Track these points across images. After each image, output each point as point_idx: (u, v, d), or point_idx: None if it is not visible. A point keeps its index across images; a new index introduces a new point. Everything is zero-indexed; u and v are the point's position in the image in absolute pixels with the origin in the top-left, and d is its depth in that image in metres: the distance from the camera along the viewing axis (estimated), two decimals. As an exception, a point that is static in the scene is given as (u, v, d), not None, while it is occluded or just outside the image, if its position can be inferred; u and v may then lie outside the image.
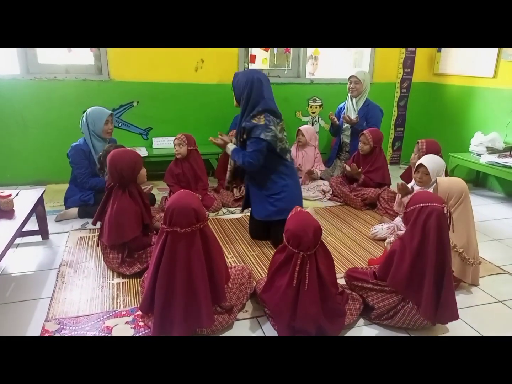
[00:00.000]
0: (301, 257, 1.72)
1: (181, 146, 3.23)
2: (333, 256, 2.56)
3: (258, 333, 1.87)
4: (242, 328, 1.90)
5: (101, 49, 3.69)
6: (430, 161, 2.65)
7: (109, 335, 1.81)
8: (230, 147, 2.67)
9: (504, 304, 2.14)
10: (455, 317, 1.80)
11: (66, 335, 1.79)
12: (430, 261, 1.72)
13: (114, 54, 3.73)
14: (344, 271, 2.20)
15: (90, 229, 2.88)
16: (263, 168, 2.54)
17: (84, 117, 3.04)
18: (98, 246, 2.41)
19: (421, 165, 2.66)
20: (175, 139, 3.24)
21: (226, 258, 2.45)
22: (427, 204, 1.76)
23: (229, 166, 2.82)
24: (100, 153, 2.76)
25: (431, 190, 2.61)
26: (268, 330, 1.88)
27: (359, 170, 3.42)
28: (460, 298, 2.15)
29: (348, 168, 3.52)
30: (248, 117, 2.51)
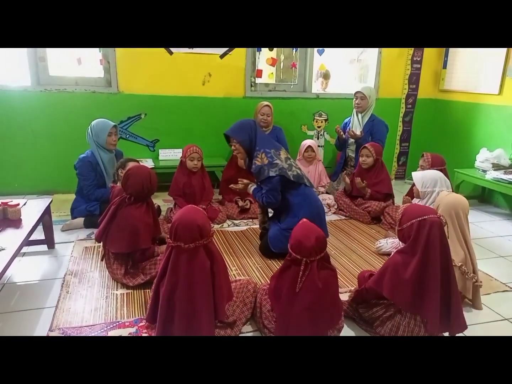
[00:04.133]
0: (304, 263, 1.73)
1: (199, 160, 3.29)
2: (338, 271, 2.57)
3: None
4: (245, 341, 1.89)
5: (111, 62, 3.76)
6: (418, 172, 2.73)
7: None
8: (251, 188, 2.76)
9: (510, 322, 2.12)
10: (464, 327, 1.81)
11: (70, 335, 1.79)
12: (435, 274, 1.73)
13: (123, 67, 3.79)
14: (349, 286, 2.20)
15: (96, 240, 2.89)
16: (283, 199, 2.61)
17: (89, 130, 3.09)
18: (102, 260, 2.42)
19: None
20: (193, 152, 3.26)
21: (230, 270, 2.46)
22: (425, 217, 1.77)
23: (259, 209, 2.89)
24: (115, 168, 2.82)
25: (428, 202, 2.63)
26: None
27: (364, 184, 3.43)
28: (466, 316, 2.12)
29: (347, 180, 3.57)
30: (254, 160, 2.59)
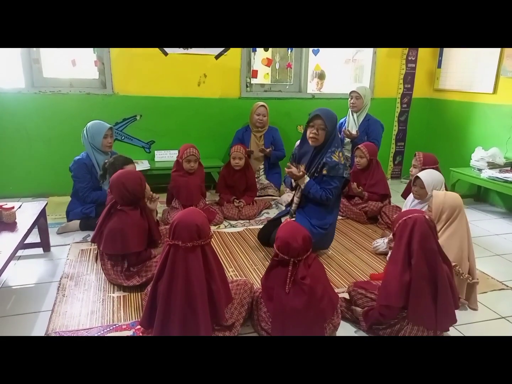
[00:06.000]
0: (292, 263, 1.75)
1: (195, 162, 3.27)
2: (335, 270, 2.58)
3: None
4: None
5: (105, 63, 3.74)
6: (426, 174, 2.68)
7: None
8: (306, 178, 2.65)
9: (507, 320, 2.13)
10: (454, 320, 1.84)
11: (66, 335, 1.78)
12: (420, 271, 1.75)
13: (118, 69, 3.78)
14: (346, 285, 2.20)
15: (91, 242, 2.87)
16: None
17: (85, 131, 3.06)
18: (96, 261, 2.41)
19: (417, 178, 2.70)
20: (190, 155, 3.22)
21: (227, 271, 2.45)
22: (409, 216, 1.81)
23: (296, 198, 2.78)
24: (106, 161, 2.79)
25: (427, 203, 2.63)
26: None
27: (360, 189, 3.43)
28: (462, 314, 2.13)
29: None
30: (328, 153, 2.57)
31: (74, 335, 1.88)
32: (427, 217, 1.79)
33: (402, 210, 2.53)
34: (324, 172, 2.57)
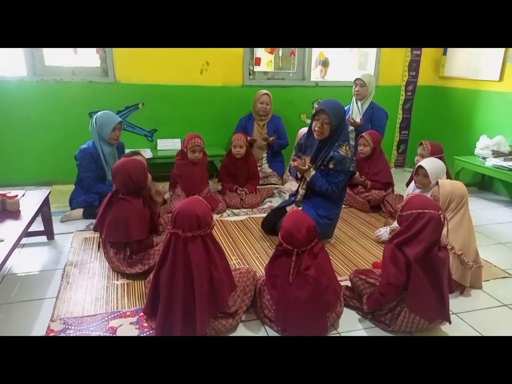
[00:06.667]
0: (295, 253, 1.76)
1: (200, 152, 3.25)
2: (338, 259, 2.58)
3: (262, 333, 1.88)
4: (246, 329, 1.90)
5: (107, 51, 3.72)
6: (429, 163, 2.66)
7: (114, 335, 1.82)
8: (312, 172, 2.65)
9: (510, 308, 2.13)
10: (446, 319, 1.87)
11: (71, 335, 1.81)
12: (420, 265, 1.75)
13: (120, 57, 3.75)
14: (349, 274, 2.20)
15: (93, 230, 2.88)
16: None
17: (94, 120, 3.03)
18: (98, 250, 2.42)
19: (420, 167, 2.67)
20: (195, 145, 3.20)
21: (230, 260, 2.46)
22: (425, 211, 1.77)
23: (301, 190, 2.77)
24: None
25: (429, 193, 2.62)
26: (271, 330, 1.89)
27: (362, 178, 3.42)
28: (465, 302, 2.15)
29: None
30: (334, 147, 2.56)
31: (79, 322, 1.90)
32: (441, 216, 1.77)
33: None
34: (331, 166, 2.57)
